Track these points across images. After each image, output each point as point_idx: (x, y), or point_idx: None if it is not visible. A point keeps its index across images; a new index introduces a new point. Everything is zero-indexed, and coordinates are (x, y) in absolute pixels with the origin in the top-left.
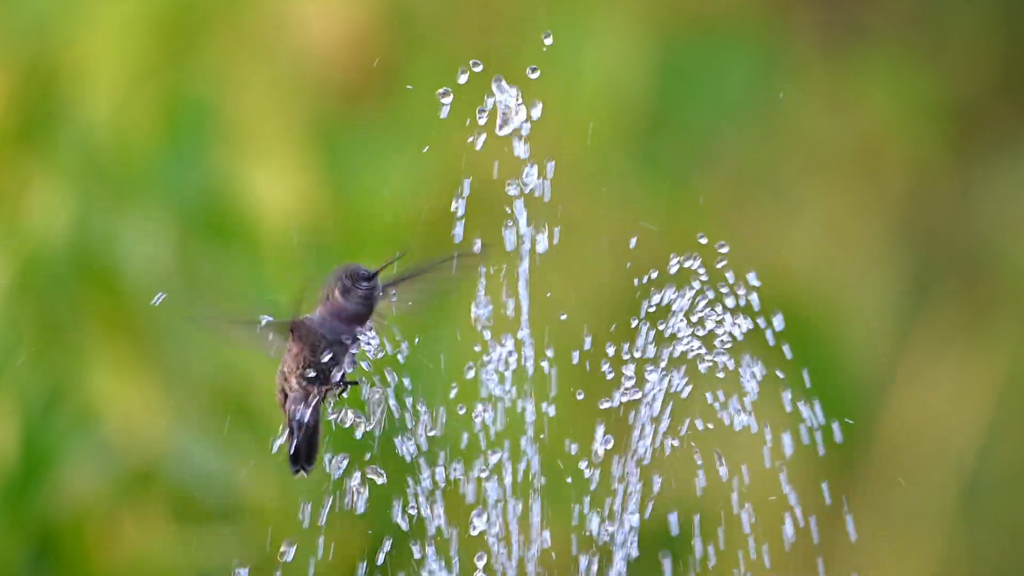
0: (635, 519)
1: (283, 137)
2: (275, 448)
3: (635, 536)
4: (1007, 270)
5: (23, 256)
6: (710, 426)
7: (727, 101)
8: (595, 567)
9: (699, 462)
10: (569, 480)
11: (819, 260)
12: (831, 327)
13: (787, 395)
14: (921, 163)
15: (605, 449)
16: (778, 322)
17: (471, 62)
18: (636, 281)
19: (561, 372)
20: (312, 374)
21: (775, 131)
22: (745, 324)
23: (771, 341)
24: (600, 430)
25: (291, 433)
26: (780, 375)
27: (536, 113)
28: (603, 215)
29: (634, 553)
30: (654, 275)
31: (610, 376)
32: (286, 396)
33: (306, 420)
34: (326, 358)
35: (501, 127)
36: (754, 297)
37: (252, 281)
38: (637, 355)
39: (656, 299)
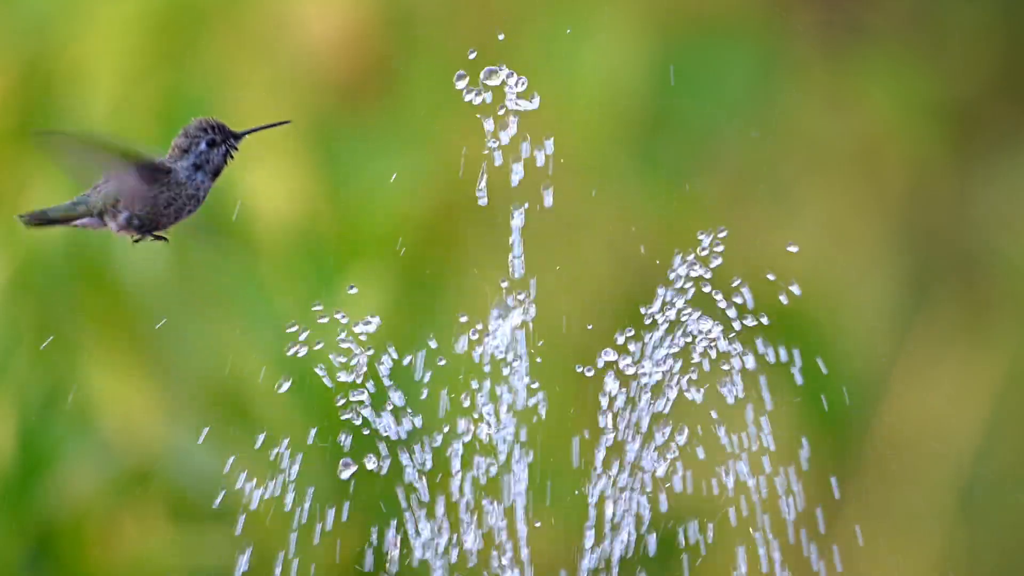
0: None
1: (280, 136)
2: (258, 443)
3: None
4: (1006, 270)
5: (22, 256)
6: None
7: (727, 101)
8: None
9: (700, 452)
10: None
11: (818, 259)
12: (829, 326)
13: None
14: (921, 163)
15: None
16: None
17: (469, 50)
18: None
19: (556, 373)
20: (145, 222)
21: (775, 131)
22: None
23: (775, 346)
24: (599, 454)
25: (55, 221)
26: (759, 375)
27: (534, 104)
28: (602, 214)
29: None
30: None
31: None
32: (100, 213)
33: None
34: (170, 212)
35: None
36: (751, 297)
37: (250, 280)
38: (638, 355)
39: (655, 303)
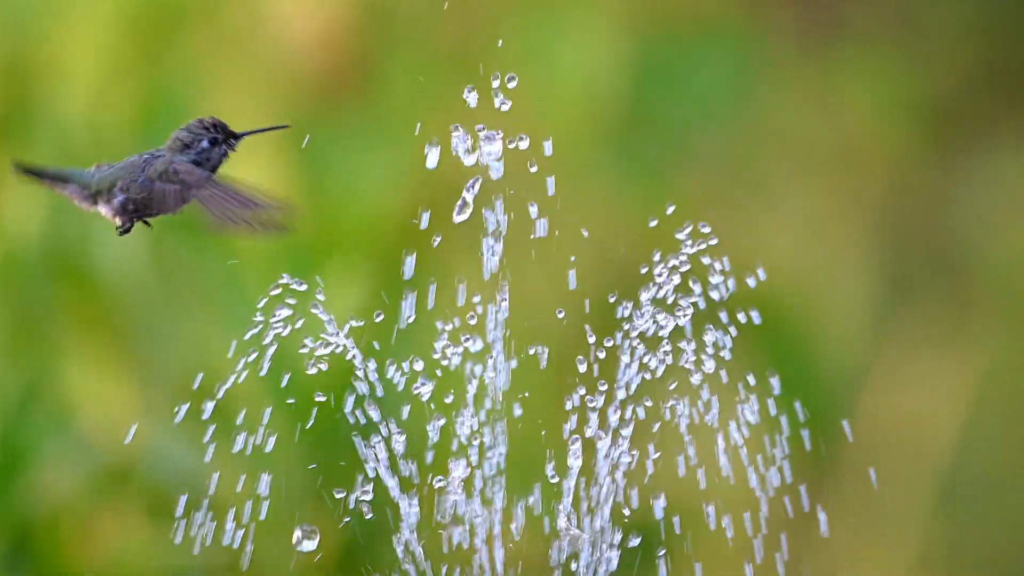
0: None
1: (259, 134)
2: (237, 445)
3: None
4: (985, 268)
5: None
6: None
7: (707, 99)
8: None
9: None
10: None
11: (797, 257)
12: (808, 324)
13: (762, 391)
14: (900, 161)
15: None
16: (755, 317)
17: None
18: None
19: (535, 371)
20: (140, 207)
21: (754, 129)
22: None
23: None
24: (575, 446)
25: (51, 178)
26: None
27: (505, 107)
28: (581, 212)
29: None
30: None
31: (584, 370)
32: (94, 197)
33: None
34: (161, 204)
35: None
36: (728, 293)
37: (227, 278)
38: (621, 354)
39: (634, 306)
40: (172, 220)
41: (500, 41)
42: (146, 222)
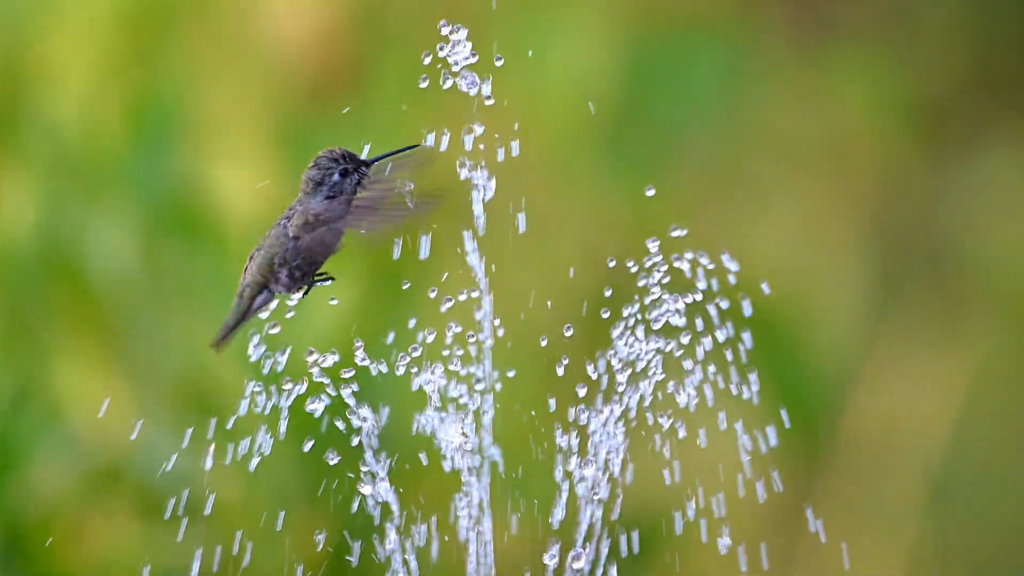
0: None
1: (250, 134)
2: (231, 454)
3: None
4: (976, 267)
5: None
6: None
7: (698, 97)
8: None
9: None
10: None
11: (789, 256)
12: (799, 323)
13: (753, 389)
14: (891, 160)
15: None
16: (746, 307)
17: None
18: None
19: (526, 367)
20: (305, 269)
21: (746, 128)
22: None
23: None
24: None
25: (238, 323)
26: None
27: (487, 90)
28: (572, 211)
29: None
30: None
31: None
32: (263, 286)
33: (256, 311)
34: (322, 251)
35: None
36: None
37: (219, 278)
38: (610, 353)
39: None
40: (162, 221)
41: (495, 44)
42: (325, 278)
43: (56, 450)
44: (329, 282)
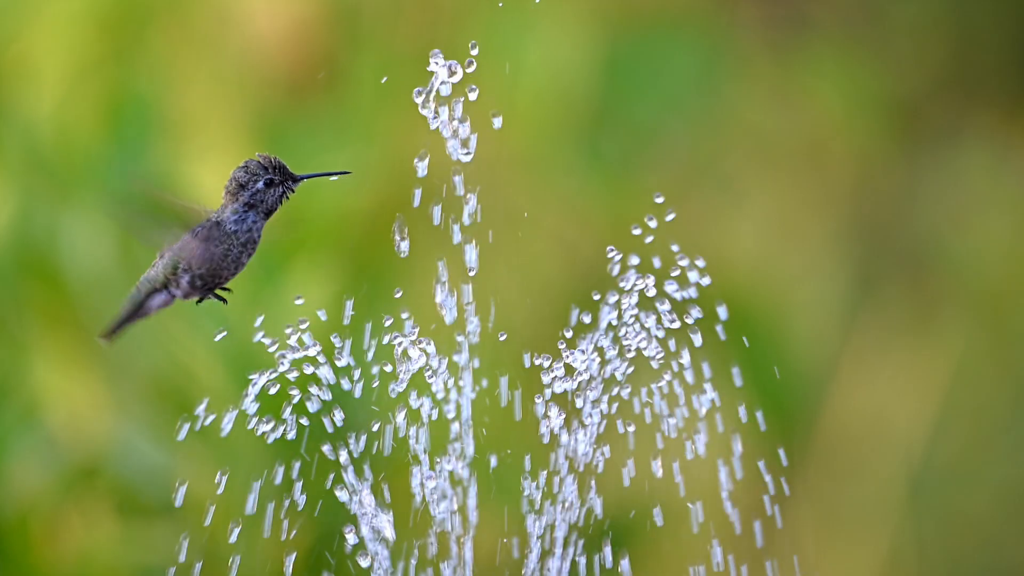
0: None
1: (227, 132)
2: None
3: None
4: (952, 263)
5: None
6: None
7: (673, 95)
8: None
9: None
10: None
11: (764, 254)
12: (776, 321)
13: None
14: (866, 157)
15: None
16: (722, 312)
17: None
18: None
19: (505, 365)
20: (207, 279)
21: (721, 125)
22: (690, 313)
23: (721, 335)
24: (552, 409)
25: (130, 317)
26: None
27: (472, 96)
28: (548, 208)
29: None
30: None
31: (550, 364)
32: (164, 286)
33: (152, 312)
34: (228, 262)
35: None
36: (693, 290)
37: None
38: (582, 347)
39: (597, 301)
40: (141, 219)
41: (473, 43)
42: (221, 295)
43: (32, 448)
44: (223, 299)
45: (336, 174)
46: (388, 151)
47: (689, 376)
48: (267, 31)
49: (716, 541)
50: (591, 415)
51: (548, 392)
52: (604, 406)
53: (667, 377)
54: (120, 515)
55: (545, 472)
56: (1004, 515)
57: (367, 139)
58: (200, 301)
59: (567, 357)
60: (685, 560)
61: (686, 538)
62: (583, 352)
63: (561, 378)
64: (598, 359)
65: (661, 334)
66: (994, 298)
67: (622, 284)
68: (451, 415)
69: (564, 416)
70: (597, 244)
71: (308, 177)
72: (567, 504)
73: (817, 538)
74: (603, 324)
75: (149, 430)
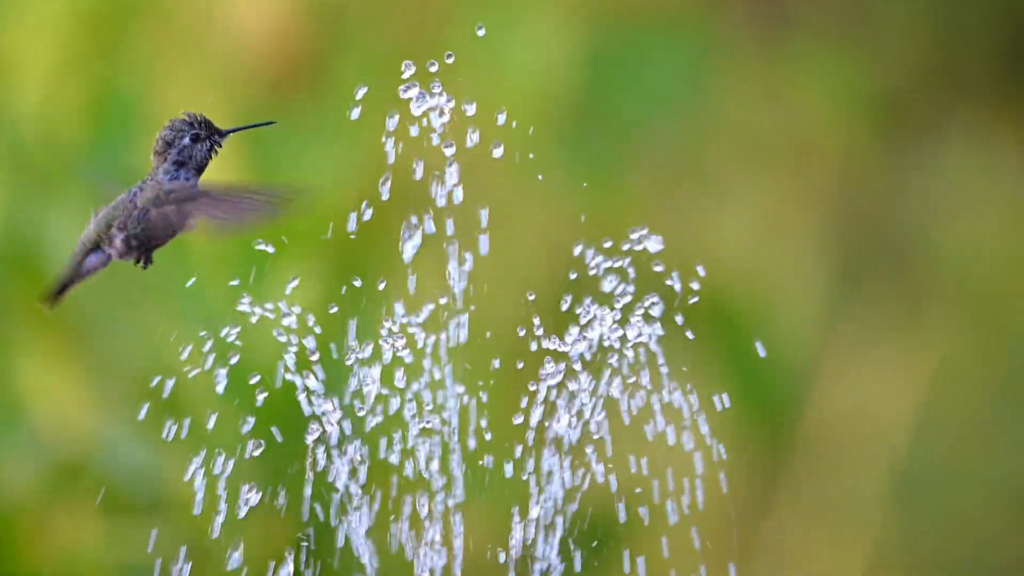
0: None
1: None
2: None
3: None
4: (937, 259)
5: None
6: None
7: (659, 92)
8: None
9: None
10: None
11: (750, 250)
12: (760, 317)
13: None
14: (853, 153)
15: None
16: (694, 285)
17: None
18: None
19: (487, 362)
20: (142, 239)
21: (707, 122)
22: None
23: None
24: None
25: (70, 279)
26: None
27: (470, 110)
28: (532, 206)
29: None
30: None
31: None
32: (96, 246)
33: (90, 273)
34: (165, 223)
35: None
36: (678, 286)
37: (179, 273)
38: (566, 345)
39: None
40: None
41: (449, 54)
42: (149, 259)
43: (17, 446)
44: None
45: (260, 125)
46: (373, 149)
47: (671, 371)
48: (251, 28)
49: (695, 530)
50: (572, 413)
51: (532, 386)
52: (586, 401)
53: (648, 376)
54: (105, 513)
55: (527, 455)
56: (990, 510)
57: (351, 137)
58: (141, 263)
59: (553, 345)
60: (670, 561)
61: (669, 535)
62: (566, 345)
63: (544, 375)
64: (580, 357)
65: (646, 328)
66: (980, 294)
67: (602, 288)
68: (429, 407)
69: (544, 414)
70: (581, 240)
71: (234, 131)
72: (555, 501)
73: (802, 534)
74: (584, 320)
75: (134, 428)
